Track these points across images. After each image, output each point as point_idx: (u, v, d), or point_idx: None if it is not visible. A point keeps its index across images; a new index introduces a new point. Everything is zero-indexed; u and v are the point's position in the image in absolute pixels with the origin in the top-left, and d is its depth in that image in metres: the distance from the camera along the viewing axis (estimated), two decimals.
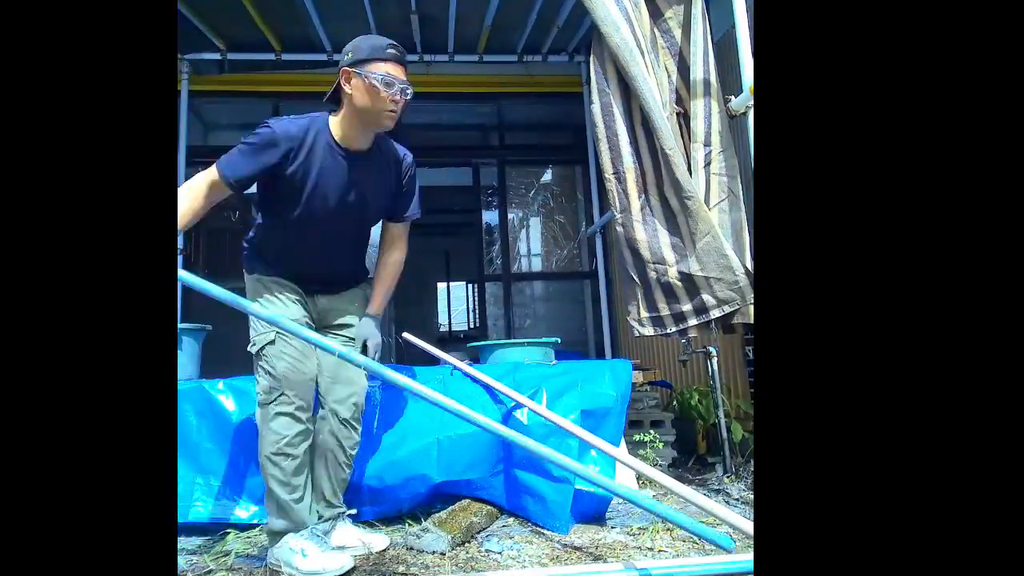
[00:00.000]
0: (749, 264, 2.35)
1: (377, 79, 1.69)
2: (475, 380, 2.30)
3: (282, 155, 1.72)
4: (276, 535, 1.74)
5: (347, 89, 1.73)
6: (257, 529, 2.08)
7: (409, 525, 2.07)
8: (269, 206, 1.86)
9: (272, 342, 1.77)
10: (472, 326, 9.45)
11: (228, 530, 2.05)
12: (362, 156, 1.82)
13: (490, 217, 5.83)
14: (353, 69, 1.71)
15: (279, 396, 1.75)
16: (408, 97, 1.75)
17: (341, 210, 1.82)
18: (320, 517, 1.85)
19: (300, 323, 1.79)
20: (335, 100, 1.80)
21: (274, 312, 1.78)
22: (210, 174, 1.72)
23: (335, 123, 1.79)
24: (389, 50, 1.72)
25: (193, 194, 1.71)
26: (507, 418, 2.22)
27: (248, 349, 1.81)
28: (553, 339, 2.69)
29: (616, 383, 2.30)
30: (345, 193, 1.81)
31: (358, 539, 1.88)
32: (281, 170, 1.73)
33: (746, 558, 1.40)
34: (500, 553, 1.80)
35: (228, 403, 2.21)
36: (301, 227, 1.82)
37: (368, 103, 1.71)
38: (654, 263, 2.51)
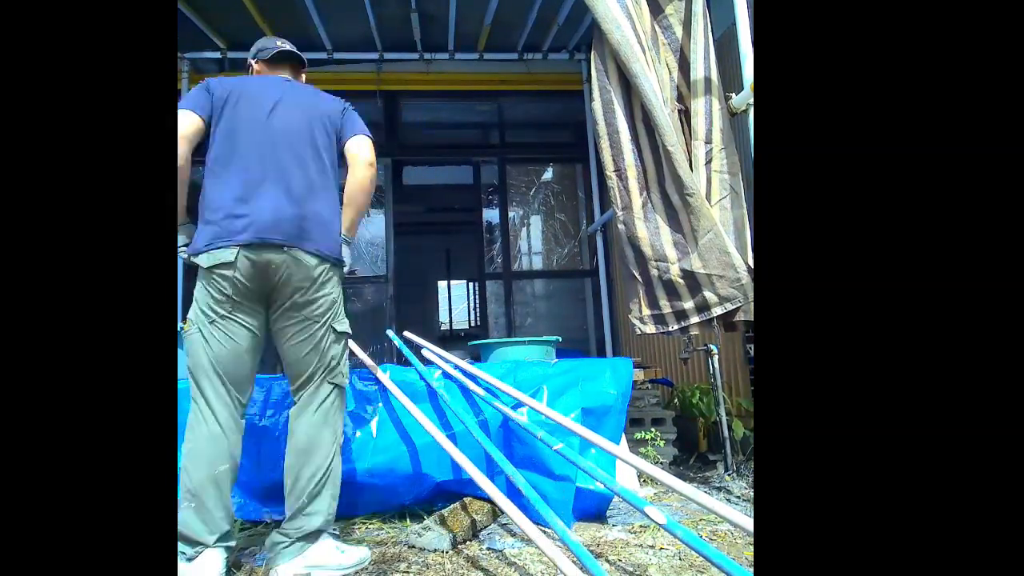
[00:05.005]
0: (751, 261, 2.34)
1: None
2: (475, 378, 2.30)
3: None
4: (315, 535, 1.61)
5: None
6: (260, 526, 2.08)
7: (410, 524, 2.07)
8: None
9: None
10: (473, 324, 9.45)
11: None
12: None
13: (491, 215, 5.82)
14: None
15: None
16: None
17: None
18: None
19: None
20: None
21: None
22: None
23: None
24: None
25: None
26: (507, 418, 2.22)
27: (346, 330, 1.80)
28: (554, 337, 2.68)
29: (617, 381, 2.30)
30: None
31: None
32: None
33: None
34: (501, 551, 1.80)
35: None
36: None
37: None
38: (656, 260, 2.50)
